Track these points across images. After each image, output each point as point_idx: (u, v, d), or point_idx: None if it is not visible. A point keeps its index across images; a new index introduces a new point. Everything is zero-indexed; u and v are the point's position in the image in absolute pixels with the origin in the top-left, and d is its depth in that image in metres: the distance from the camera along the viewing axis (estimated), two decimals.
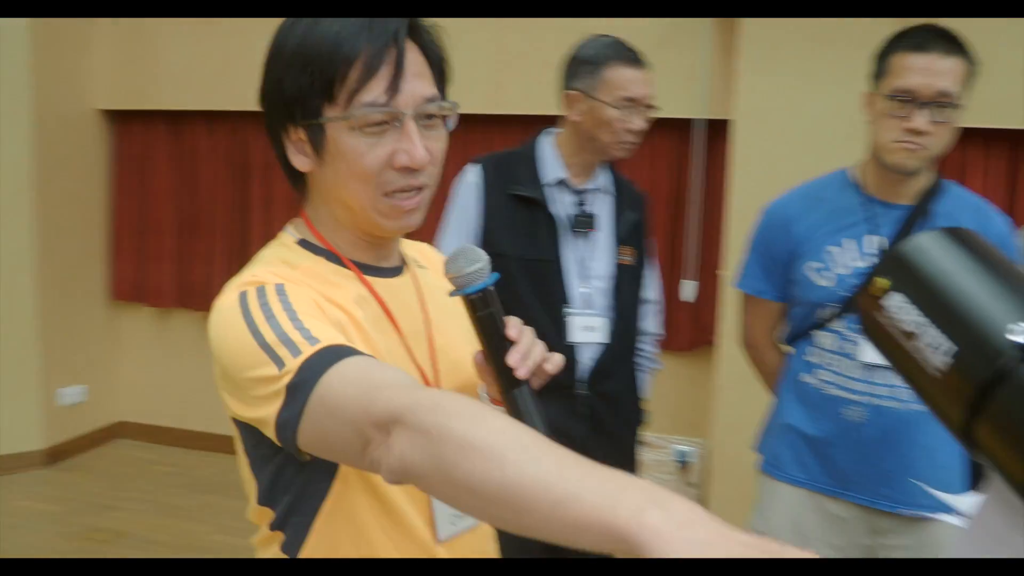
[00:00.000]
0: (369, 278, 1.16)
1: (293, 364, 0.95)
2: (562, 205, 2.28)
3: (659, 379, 4.44)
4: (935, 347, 0.64)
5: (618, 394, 2.37)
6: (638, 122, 2.24)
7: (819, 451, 1.97)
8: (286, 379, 0.94)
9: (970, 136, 3.72)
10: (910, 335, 0.66)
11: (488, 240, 2.25)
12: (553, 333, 2.22)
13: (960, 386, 0.62)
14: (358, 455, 0.89)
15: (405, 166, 1.06)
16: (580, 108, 2.24)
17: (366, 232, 1.15)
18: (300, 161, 1.12)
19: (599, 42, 2.27)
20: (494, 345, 1.09)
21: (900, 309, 0.67)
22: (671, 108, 4.11)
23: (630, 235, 2.38)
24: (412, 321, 1.19)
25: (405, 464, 0.82)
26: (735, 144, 3.83)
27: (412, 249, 1.30)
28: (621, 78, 2.22)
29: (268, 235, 4.64)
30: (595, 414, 2.29)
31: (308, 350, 0.95)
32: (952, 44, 1.87)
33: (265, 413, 0.97)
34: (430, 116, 1.10)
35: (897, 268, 0.69)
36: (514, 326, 1.09)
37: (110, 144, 5.02)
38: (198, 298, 4.88)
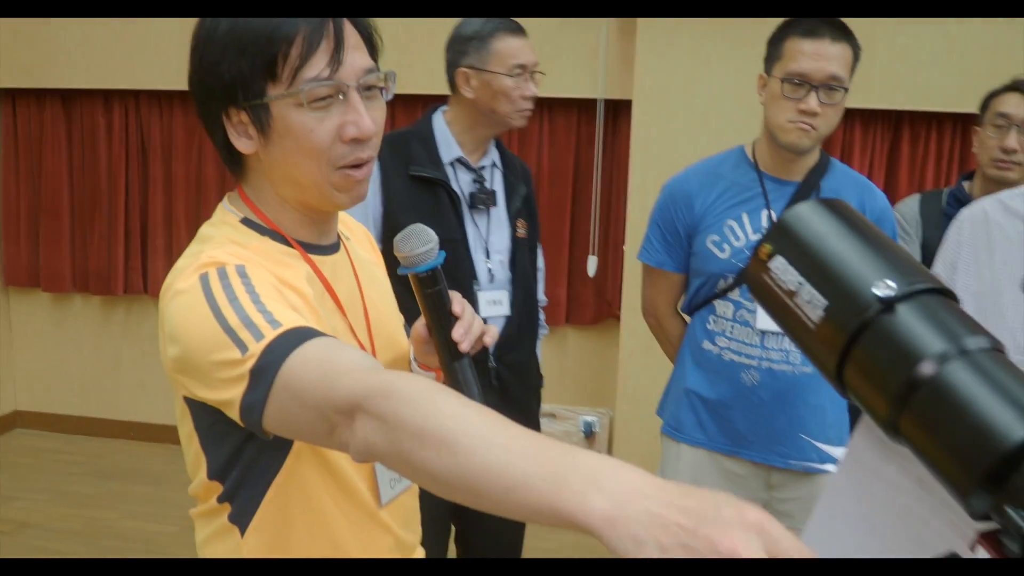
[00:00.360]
0: (313, 257, 1.18)
1: (256, 348, 0.96)
2: (463, 183, 2.31)
3: (565, 352, 4.58)
4: (811, 303, 0.72)
5: (522, 363, 2.43)
6: (532, 88, 2.29)
7: (717, 413, 2.10)
8: (249, 363, 0.96)
9: (854, 116, 3.94)
10: (791, 293, 0.75)
11: (392, 223, 2.22)
12: None
13: (832, 336, 0.70)
14: (325, 437, 0.92)
15: (354, 138, 1.09)
16: (473, 84, 2.27)
17: (314, 209, 1.17)
18: (243, 144, 1.12)
19: (478, 19, 2.31)
20: (440, 320, 1.16)
21: (782, 271, 0.76)
22: (574, 88, 4.22)
23: (522, 208, 2.43)
24: (351, 298, 1.22)
25: (369, 448, 0.86)
26: (634, 123, 3.95)
27: (340, 222, 1.31)
28: (509, 47, 2.26)
29: (169, 217, 4.64)
30: (504, 384, 2.35)
31: (270, 334, 0.96)
32: (840, 31, 2.00)
33: (229, 396, 0.98)
34: (370, 87, 1.12)
35: (780, 235, 0.78)
36: (458, 302, 1.16)
37: (1, 124, 4.84)
38: (97, 282, 4.78)
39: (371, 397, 0.85)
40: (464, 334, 1.15)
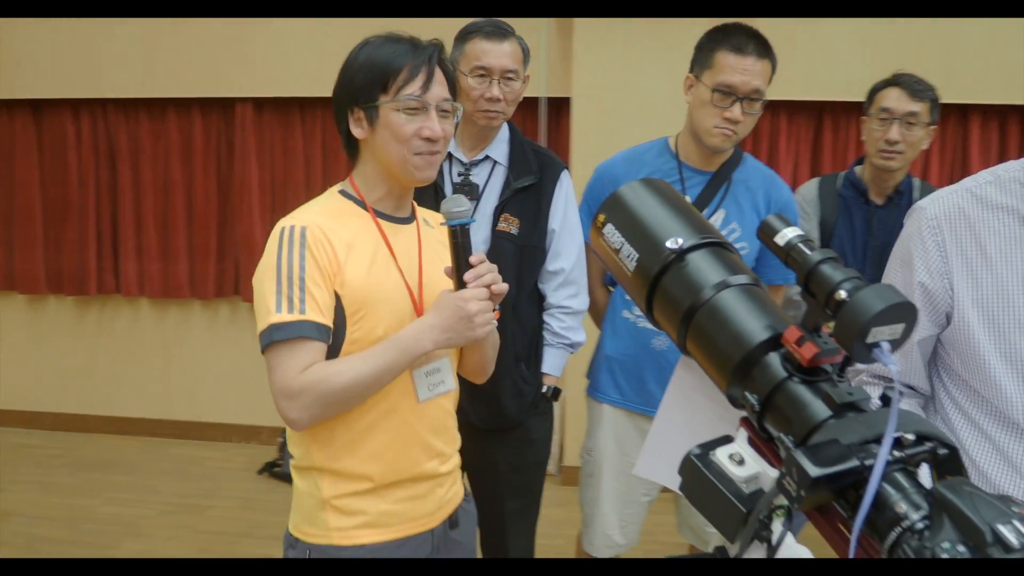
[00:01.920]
0: (382, 221, 1.70)
1: (275, 318, 1.55)
2: (452, 178, 2.44)
3: None
4: (629, 256, 0.96)
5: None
6: (494, 91, 2.35)
7: (631, 376, 2.35)
8: (265, 320, 1.57)
9: (780, 107, 4.20)
10: (616, 251, 0.98)
11: None
12: None
13: (642, 280, 0.94)
14: (274, 396, 1.57)
15: (428, 137, 1.62)
16: None
17: (397, 182, 1.70)
18: (358, 131, 1.66)
19: (473, 22, 2.41)
20: (459, 265, 1.62)
21: (611, 234, 0.99)
22: None
23: (515, 204, 2.42)
24: (409, 258, 1.71)
25: (301, 419, 1.57)
26: (575, 120, 4.19)
27: (427, 214, 1.83)
28: (476, 49, 2.36)
29: (138, 219, 4.86)
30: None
31: (288, 317, 1.55)
32: (764, 48, 2.26)
33: (258, 321, 1.59)
34: (444, 110, 1.66)
35: (610, 206, 1.01)
36: (476, 256, 1.64)
37: None
38: (70, 283, 4.96)
39: (313, 386, 1.54)
40: (473, 277, 1.62)
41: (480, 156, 2.45)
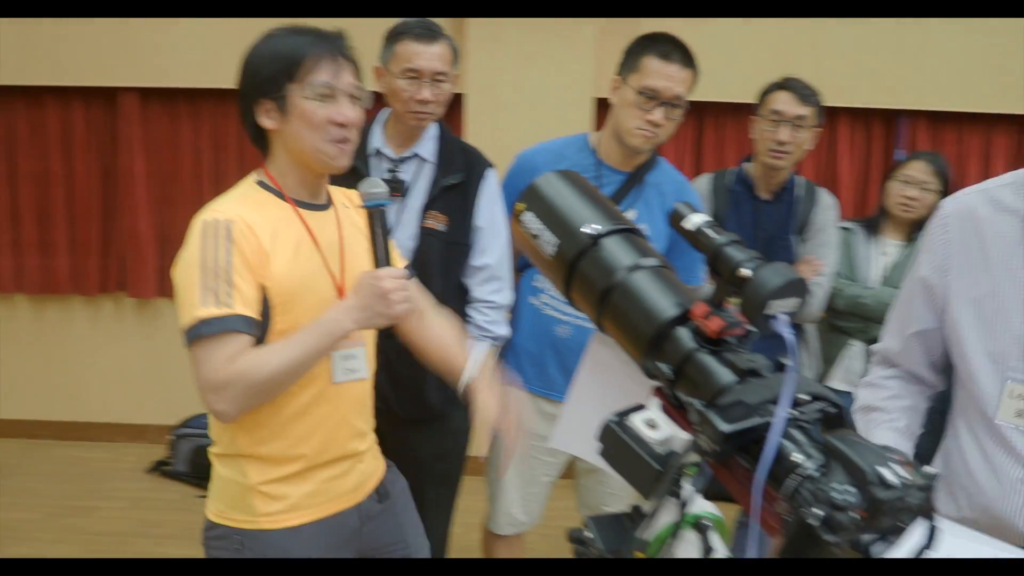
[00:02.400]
0: (302, 210, 1.72)
1: (202, 312, 1.57)
2: (379, 173, 2.46)
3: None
4: (548, 242, 1.03)
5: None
6: (424, 93, 2.38)
7: (535, 361, 2.44)
8: (191, 315, 1.58)
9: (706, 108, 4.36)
10: (535, 237, 1.06)
11: None
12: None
13: (560, 264, 1.02)
14: (201, 389, 1.61)
15: (339, 122, 1.66)
16: (381, 81, 2.46)
17: (311, 170, 1.72)
18: (268, 123, 1.68)
19: (404, 22, 2.43)
20: (376, 246, 1.66)
21: (530, 221, 1.06)
22: None
23: (442, 201, 2.46)
24: (331, 244, 1.74)
25: (229, 411, 1.60)
26: (468, 116, 4.26)
27: (342, 194, 1.86)
28: (406, 51, 2.38)
29: (15, 212, 4.67)
30: (390, 364, 2.30)
31: (216, 311, 1.56)
32: (689, 58, 2.38)
33: (184, 316, 1.60)
34: (354, 96, 1.69)
35: (529, 195, 1.08)
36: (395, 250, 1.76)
37: None
38: None
39: (239, 378, 1.58)
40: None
41: (408, 153, 2.49)
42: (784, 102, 2.89)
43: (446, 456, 2.62)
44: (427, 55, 2.39)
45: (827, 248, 2.98)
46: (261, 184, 1.73)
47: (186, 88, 4.57)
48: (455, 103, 4.52)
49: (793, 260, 2.95)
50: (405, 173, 2.48)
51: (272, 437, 1.70)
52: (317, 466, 1.75)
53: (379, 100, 2.47)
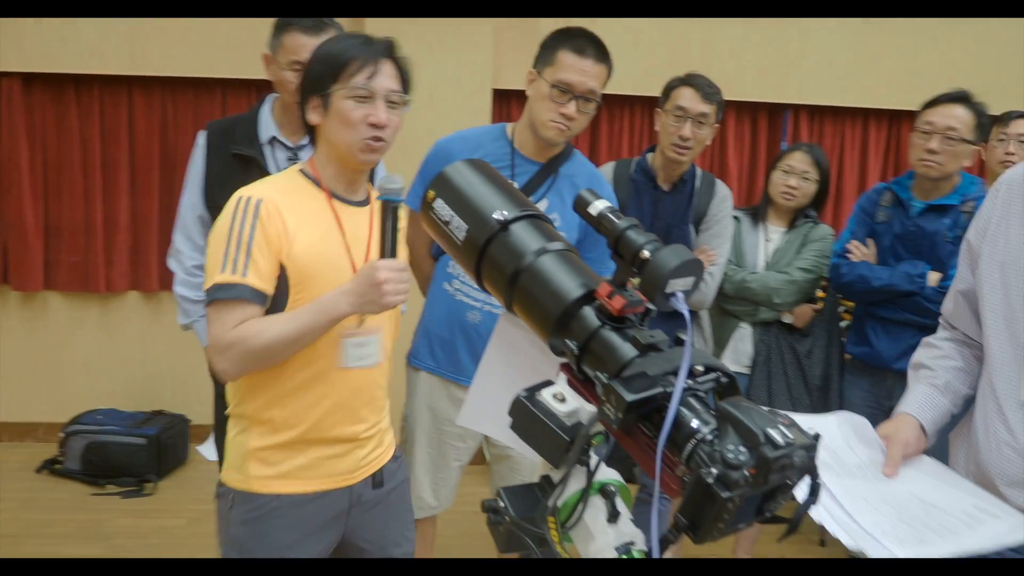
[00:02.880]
0: (335, 202, 1.84)
1: (219, 278, 1.72)
2: (278, 161, 2.50)
3: None
4: (458, 228, 1.08)
5: None
6: None
7: (446, 346, 2.49)
8: (211, 279, 1.73)
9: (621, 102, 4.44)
10: (446, 223, 1.10)
11: (210, 195, 2.48)
12: None
13: (471, 249, 1.06)
14: (209, 348, 1.76)
15: (373, 123, 1.77)
16: (271, 71, 2.48)
17: (346, 165, 1.84)
18: (313, 118, 1.82)
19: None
20: (384, 237, 1.72)
21: (440, 208, 1.11)
22: None
23: None
24: (357, 237, 1.85)
25: (229, 371, 1.75)
26: None
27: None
28: (293, 43, 2.42)
29: None
30: None
31: (231, 278, 1.71)
32: (603, 53, 2.43)
33: (210, 277, 1.74)
34: (393, 101, 1.81)
35: (439, 183, 1.13)
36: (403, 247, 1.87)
37: None
38: None
39: (237, 342, 1.71)
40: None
41: (305, 141, 2.53)
42: (688, 99, 2.97)
43: None
44: (313, 47, 2.39)
45: (721, 239, 3.09)
46: (303, 172, 1.87)
47: (73, 74, 4.43)
48: None
49: (690, 249, 3.05)
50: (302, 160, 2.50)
51: (272, 405, 1.82)
52: (312, 441, 1.84)
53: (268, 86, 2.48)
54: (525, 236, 1.04)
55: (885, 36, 4.87)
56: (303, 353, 1.78)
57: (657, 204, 3.05)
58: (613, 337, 0.94)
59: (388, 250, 1.73)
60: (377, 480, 1.96)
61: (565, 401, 0.96)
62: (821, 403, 3.27)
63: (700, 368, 0.90)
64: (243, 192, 1.78)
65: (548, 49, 2.47)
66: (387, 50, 1.83)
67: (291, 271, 1.76)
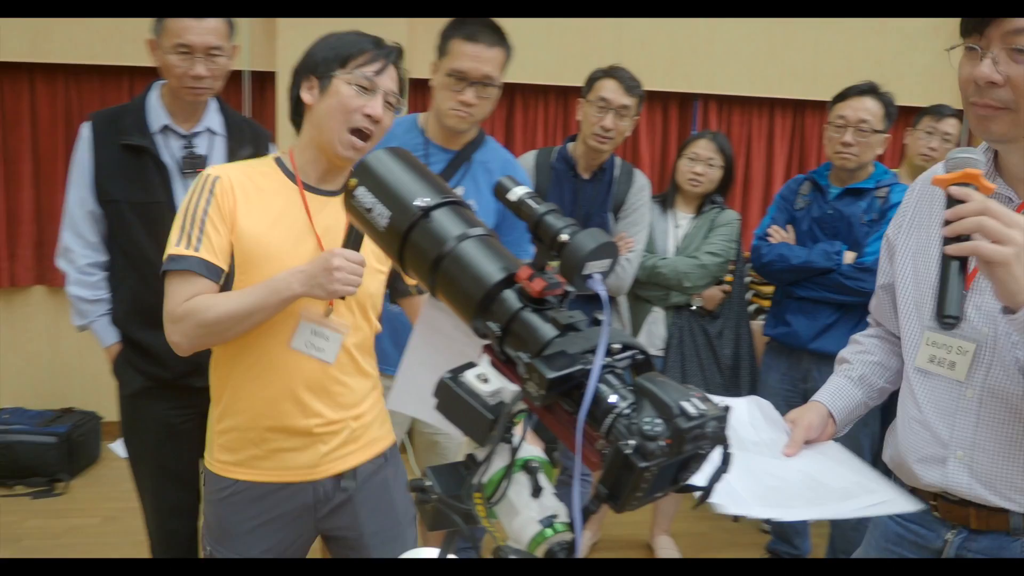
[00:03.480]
0: (307, 192, 1.84)
1: (173, 250, 1.76)
2: (172, 150, 2.44)
3: None
4: (381, 215, 1.10)
5: None
6: (197, 68, 2.38)
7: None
8: (167, 251, 1.77)
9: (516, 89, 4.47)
10: (368, 211, 1.11)
11: (102, 189, 2.40)
12: None
13: (393, 235, 1.08)
14: (165, 321, 1.77)
15: (368, 114, 1.78)
16: (155, 55, 2.42)
17: (324, 153, 1.83)
18: (307, 96, 1.81)
19: None
20: (350, 226, 1.72)
21: (363, 196, 1.12)
22: None
23: None
24: (329, 230, 1.83)
25: (181, 343, 1.77)
26: (280, 93, 4.21)
27: None
28: (177, 27, 2.36)
29: None
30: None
31: (183, 251, 1.74)
32: (496, 36, 2.45)
33: (169, 249, 1.78)
34: (390, 102, 1.82)
35: (361, 171, 1.14)
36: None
37: None
38: None
39: (189, 315, 1.73)
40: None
41: (199, 128, 2.48)
42: (611, 91, 3.05)
43: None
44: (199, 29, 2.38)
45: (639, 226, 3.17)
46: (277, 160, 1.89)
47: None
48: (267, 81, 4.46)
49: None
50: (200, 148, 2.49)
51: (224, 385, 1.86)
52: (262, 430, 1.84)
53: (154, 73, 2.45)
54: (447, 222, 1.06)
55: (789, 29, 5.02)
56: (254, 336, 1.79)
57: (577, 192, 3.12)
58: (534, 318, 0.97)
59: (351, 241, 1.74)
60: (346, 479, 1.94)
61: (488, 381, 0.99)
62: (733, 382, 3.38)
63: (617, 346, 0.94)
64: (207, 170, 1.81)
65: (444, 39, 2.51)
66: (396, 56, 1.85)
67: (237, 251, 1.78)
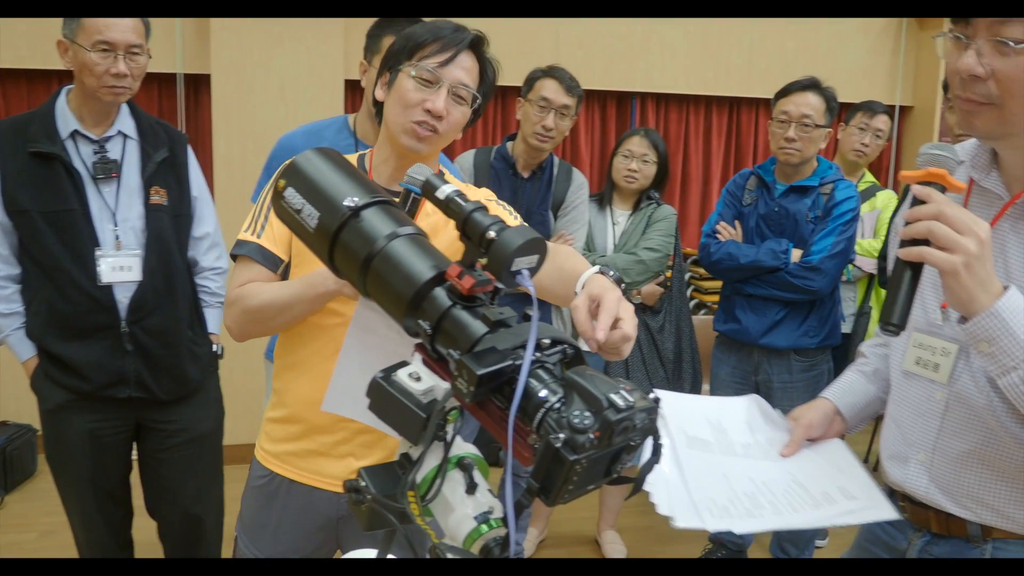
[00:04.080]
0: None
1: (241, 235, 1.74)
2: (84, 156, 2.38)
3: None
4: (310, 216, 1.09)
5: (166, 328, 2.52)
6: (120, 66, 2.33)
7: None
8: (240, 236, 1.75)
9: None
10: (298, 211, 1.11)
11: (10, 199, 2.33)
12: (85, 277, 2.37)
13: (323, 236, 1.08)
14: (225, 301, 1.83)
15: (427, 109, 1.65)
16: (68, 55, 2.35)
17: (394, 149, 1.74)
18: (379, 93, 1.75)
19: None
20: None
21: (291, 196, 1.12)
22: (152, 64, 4.31)
23: (159, 176, 2.50)
24: None
25: (232, 327, 1.73)
26: (215, 96, 4.16)
27: None
28: (96, 24, 2.30)
29: None
30: (143, 348, 2.46)
31: (247, 236, 1.73)
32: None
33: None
34: (460, 96, 1.68)
35: (289, 172, 1.13)
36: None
37: None
38: None
39: (239, 299, 1.71)
40: None
41: (111, 132, 2.44)
42: (552, 91, 3.09)
43: (212, 421, 2.74)
44: (121, 27, 2.34)
45: (578, 224, 3.21)
46: (359, 158, 1.83)
47: None
48: (202, 84, 4.39)
49: (549, 235, 3.14)
50: (113, 152, 2.44)
51: (279, 373, 1.84)
52: (304, 428, 1.78)
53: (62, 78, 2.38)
54: (376, 221, 1.06)
55: (723, 27, 5.10)
56: (309, 330, 1.75)
57: (517, 191, 3.15)
58: (464, 315, 0.97)
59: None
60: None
61: (421, 380, 0.99)
62: (676, 376, 3.42)
63: (547, 341, 0.94)
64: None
65: (373, 38, 2.51)
66: (472, 42, 1.70)
67: (294, 242, 1.74)
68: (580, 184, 3.26)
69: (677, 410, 1.61)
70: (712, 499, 1.41)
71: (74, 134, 2.40)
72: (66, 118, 2.41)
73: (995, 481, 1.44)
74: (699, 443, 1.54)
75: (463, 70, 1.68)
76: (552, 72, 3.12)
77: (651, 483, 1.38)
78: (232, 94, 4.16)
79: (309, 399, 1.75)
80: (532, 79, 3.15)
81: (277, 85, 4.14)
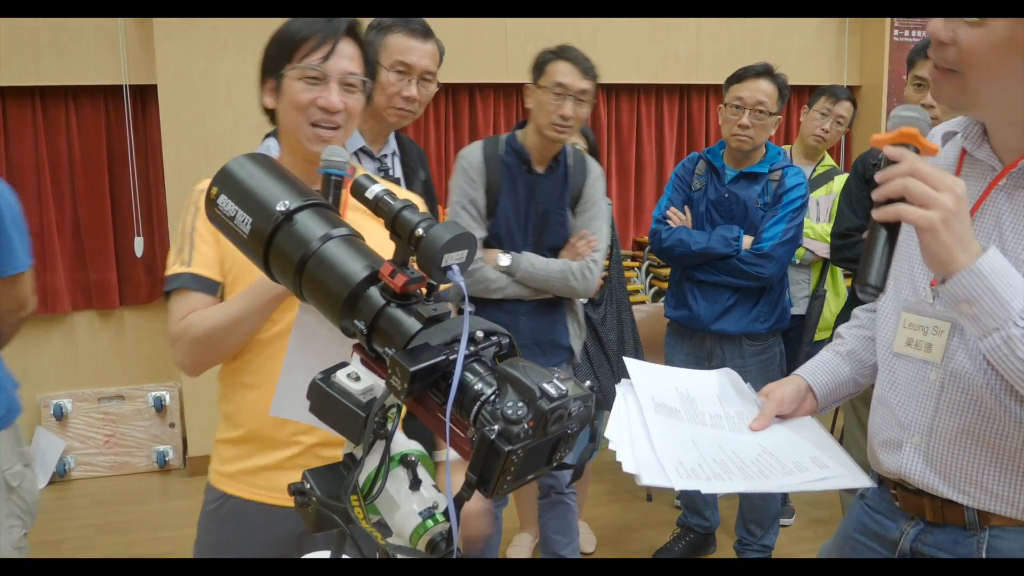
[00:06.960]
0: None
1: (169, 271, 1.70)
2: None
3: (123, 334, 4.65)
4: (244, 221, 1.09)
5: None
6: (412, 90, 2.44)
7: None
8: (168, 271, 1.71)
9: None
10: (231, 218, 1.10)
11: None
12: None
13: (257, 241, 1.07)
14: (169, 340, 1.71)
15: (322, 106, 1.66)
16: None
17: (298, 154, 1.72)
18: (268, 101, 1.73)
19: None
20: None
21: (224, 203, 1.11)
22: (97, 75, 4.27)
23: (423, 193, 2.53)
24: None
25: (184, 363, 1.71)
26: (163, 107, 4.12)
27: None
28: (399, 44, 2.42)
29: None
30: None
31: (176, 269, 1.69)
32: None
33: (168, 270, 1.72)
34: (350, 84, 1.68)
35: (221, 179, 1.13)
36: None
37: None
38: None
39: (185, 330, 1.67)
40: None
41: (388, 149, 2.55)
42: (568, 75, 2.77)
43: None
44: (418, 51, 2.48)
45: (600, 221, 2.93)
46: None
47: None
48: (149, 95, 4.35)
49: (569, 234, 2.91)
50: (392, 170, 2.53)
51: (226, 395, 1.80)
52: (260, 443, 1.75)
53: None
54: (310, 224, 1.06)
55: (673, 19, 5.13)
56: (253, 345, 1.71)
57: (533, 188, 2.88)
58: (398, 313, 0.98)
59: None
60: None
61: (359, 380, 1.00)
62: (620, 366, 3.43)
63: (480, 334, 0.95)
64: (198, 184, 1.74)
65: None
66: (348, 29, 1.70)
67: (224, 262, 1.71)
68: (597, 176, 2.97)
69: (645, 378, 1.58)
70: (679, 461, 1.36)
71: (357, 151, 2.43)
72: (353, 135, 2.31)
73: (993, 463, 1.40)
74: (667, 410, 1.51)
75: (347, 59, 1.69)
76: (564, 53, 2.80)
77: (616, 442, 1.37)
78: (180, 103, 4.12)
79: (264, 412, 1.69)
80: (542, 62, 2.81)
81: (224, 93, 4.10)
